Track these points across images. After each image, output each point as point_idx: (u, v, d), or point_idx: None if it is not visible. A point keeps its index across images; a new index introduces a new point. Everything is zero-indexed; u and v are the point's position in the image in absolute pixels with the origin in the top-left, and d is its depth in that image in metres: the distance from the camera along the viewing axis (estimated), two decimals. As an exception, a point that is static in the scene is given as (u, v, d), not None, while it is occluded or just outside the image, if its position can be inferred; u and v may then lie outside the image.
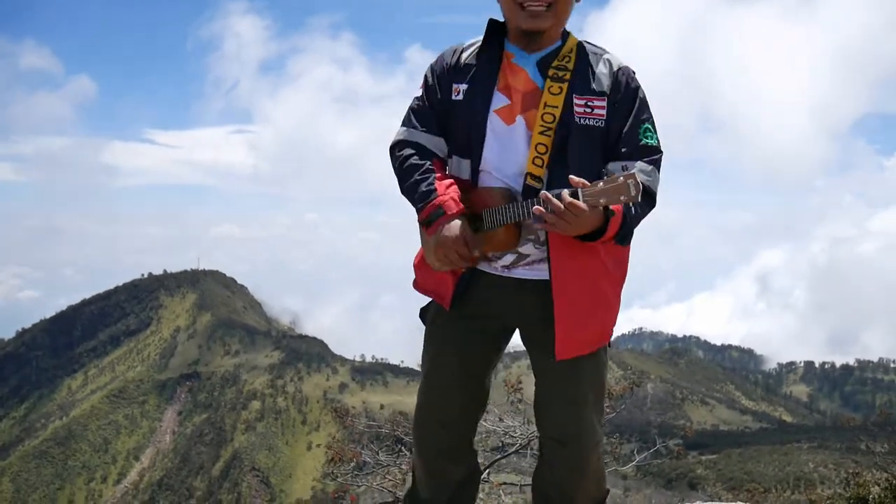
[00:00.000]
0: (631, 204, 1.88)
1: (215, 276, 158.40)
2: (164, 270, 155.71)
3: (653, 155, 2.02)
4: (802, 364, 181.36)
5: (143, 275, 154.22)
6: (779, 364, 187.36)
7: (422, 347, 2.34)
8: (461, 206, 2.01)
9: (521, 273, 2.09)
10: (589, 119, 1.99)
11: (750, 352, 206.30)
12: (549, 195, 1.78)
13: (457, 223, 1.98)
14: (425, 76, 2.19)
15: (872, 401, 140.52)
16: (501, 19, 2.12)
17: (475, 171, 2.07)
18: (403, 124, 2.18)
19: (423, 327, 2.34)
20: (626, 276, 2.15)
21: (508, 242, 2.03)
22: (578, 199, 1.75)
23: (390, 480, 5.37)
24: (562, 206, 1.75)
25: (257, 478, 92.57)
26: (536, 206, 1.82)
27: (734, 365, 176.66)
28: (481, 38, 2.13)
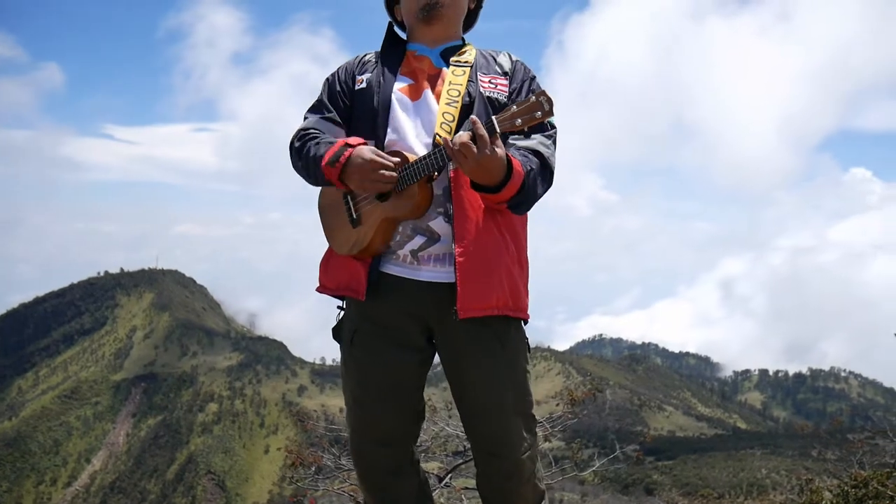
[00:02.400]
0: (529, 173, 1.93)
1: (174, 275, 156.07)
2: (122, 269, 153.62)
3: (547, 130, 2.08)
4: (757, 372, 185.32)
5: (99, 273, 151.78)
6: (734, 372, 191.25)
7: (340, 369, 2.25)
8: (366, 142, 2.03)
9: (431, 276, 2.04)
10: (494, 92, 2.10)
11: (706, 359, 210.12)
12: (461, 134, 1.81)
13: (366, 146, 1.98)
14: (326, 79, 2.26)
15: (824, 408, 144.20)
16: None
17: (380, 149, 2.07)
18: (303, 120, 2.22)
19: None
20: (525, 263, 2.15)
21: (423, 202, 1.99)
22: (495, 128, 1.79)
23: (351, 485, 5.32)
24: (482, 132, 1.78)
25: (213, 481, 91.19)
26: (452, 139, 1.82)
27: (691, 372, 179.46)
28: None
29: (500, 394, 2.08)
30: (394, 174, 1.93)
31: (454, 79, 2.10)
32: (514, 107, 1.81)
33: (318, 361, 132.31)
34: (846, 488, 4.77)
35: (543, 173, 2.02)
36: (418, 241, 2.04)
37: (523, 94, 2.12)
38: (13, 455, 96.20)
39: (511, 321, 2.11)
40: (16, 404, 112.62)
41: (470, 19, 2.32)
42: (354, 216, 2.07)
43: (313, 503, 6.29)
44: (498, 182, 1.88)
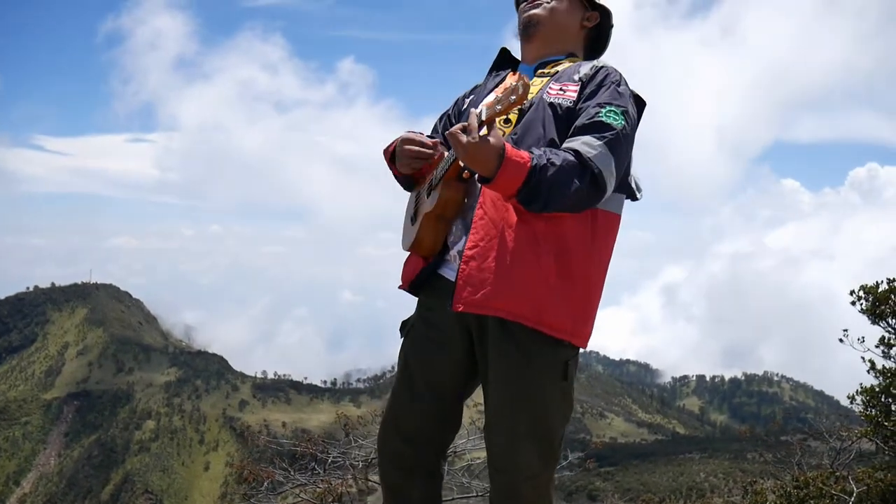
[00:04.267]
0: (543, 168, 1.82)
1: (108, 289, 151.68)
2: (53, 283, 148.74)
3: (605, 131, 1.92)
4: (695, 378, 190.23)
5: (28, 288, 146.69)
6: (673, 378, 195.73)
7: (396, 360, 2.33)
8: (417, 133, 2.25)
9: None
10: (558, 98, 2.06)
11: (646, 366, 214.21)
12: (456, 125, 1.84)
13: (406, 132, 2.21)
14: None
15: (758, 411, 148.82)
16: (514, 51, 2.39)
17: None
18: None
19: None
20: (579, 280, 2.01)
21: (449, 197, 2.04)
22: (482, 116, 1.81)
23: (302, 497, 5.21)
24: (471, 120, 1.81)
25: (150, 500, 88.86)
26: (448, 131, 1.86)
27: (632, 379, 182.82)
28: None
29: (513, 415, 2.02)
30: (425, 150, 2.12)
31: (531, 88, 2.07)
32: (499, 93, 1.81)
33: (259, 375, 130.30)
34: (788, 489, 4.87)
35: (581, 172, 1.86)
36: (464, 240, 2.05)
37: (596, 96, 2.01)
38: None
39: (545, 340, 1.99)
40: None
41: (598, 41, 2.31)
42: (413, 214, 2.24)
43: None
44: (492, 171, 1.82)
